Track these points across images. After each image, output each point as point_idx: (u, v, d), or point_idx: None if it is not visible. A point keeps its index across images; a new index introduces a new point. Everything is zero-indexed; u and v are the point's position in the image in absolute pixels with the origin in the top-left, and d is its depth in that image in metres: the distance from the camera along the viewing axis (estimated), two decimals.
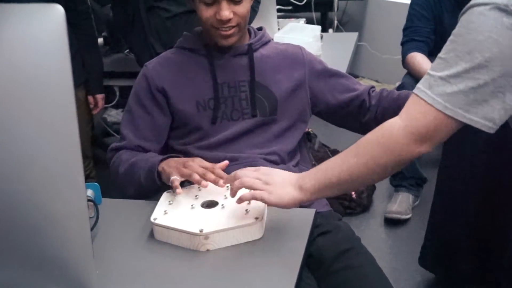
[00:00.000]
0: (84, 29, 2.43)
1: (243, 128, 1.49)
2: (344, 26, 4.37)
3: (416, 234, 2.40)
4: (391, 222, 2.62)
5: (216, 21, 1.42)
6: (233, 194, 1.21)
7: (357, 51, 3.54)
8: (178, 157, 1.40)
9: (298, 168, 1.53)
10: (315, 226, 1.28)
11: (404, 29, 2.66)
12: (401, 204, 2.63)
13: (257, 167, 1.23)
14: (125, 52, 3.08)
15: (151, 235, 1.23)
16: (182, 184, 1.30)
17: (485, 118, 1.02)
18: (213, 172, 1.29)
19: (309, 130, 2.77)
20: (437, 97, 1.03)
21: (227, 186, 1.32)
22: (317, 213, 1.29)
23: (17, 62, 0.85)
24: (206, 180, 1.27)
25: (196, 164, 1.30)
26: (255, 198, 1.17)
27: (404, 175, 2.67)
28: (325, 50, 2.55)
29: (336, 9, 4.14)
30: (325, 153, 2.75)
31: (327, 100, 1.57)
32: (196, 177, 1.26)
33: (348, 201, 2.67)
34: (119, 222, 1.31)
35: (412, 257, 2.19)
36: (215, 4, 1.41)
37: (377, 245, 2.45)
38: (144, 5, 2.30)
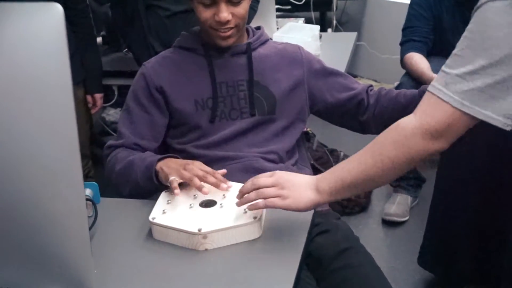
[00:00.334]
0: (83, 28, 2.43)
1: (241, 127, 1.49)
2: (343, 25, 4.38)
3: (415, 233, 2.40)
4: (389, 222, 2.62)
5: (214, 22, 1.42)
6: (251, 208, 1.17)
7: (356, 50, 3.54)
8: (176, 157, 1.40)
9: (296, 167, 1.54)
10: (313, 225, 1.28)
11: (403, 29, 2.67)
12: (399, 205, 2.63)
13: (272, 172, 1.20)
14: (124, 51, 3.08)
15: (150, 234, 1.23)
16: (180, 184, 1.30)
17: (503, 115, 1.01)
18: (214, 176, 1.28)
19: (308, 129, 2.76)
20: (453, 94, 1.02)
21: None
22: (315, 212, 1.29)
23: (16, 61, 0.85)
24: (207, 182, 1.27)
25: (196, 168, 1.29)
26: (268, 207, 1.16)
27: (403, 175, 2.67)
28: (324, 49, 2.54)
29: (335, 8, 4.14)
30: (323, 153, 2.75)
31: (326, 99, 1.57)
32: (197, 182, 1.25)
33: (347, 200, 2.67)
34: (117, 221, 1.31)
35: (411, 257, 2.19)
36: (214, 5, 1.41)
37: (376, 244, 2.46)
38: (143, 4, 2.30)
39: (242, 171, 1.44)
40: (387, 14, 4.10)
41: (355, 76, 4.21)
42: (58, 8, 0.83)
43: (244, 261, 1.14)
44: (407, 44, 2.61)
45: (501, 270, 1.62)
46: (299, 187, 1.16)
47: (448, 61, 1.06)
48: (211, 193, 1.29)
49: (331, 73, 1.60)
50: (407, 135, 1.08)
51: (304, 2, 4.00)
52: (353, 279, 1.28)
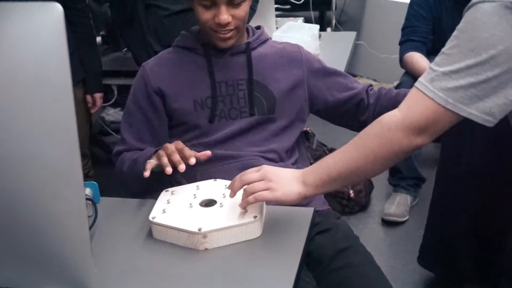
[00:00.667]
0: (82, 28, 2.42)
1: (241, 126, 1.49)
2: (342, 25, 4.37)
3: (415, 233, 2.40)
4: (389, 222, 2.62)
5: (214, 24, 1.42)
6: (242, 205, 1.20)
7: (355, 50, 3.54)
8: None
9: (296, 166, 1.53)
10: (313, 224, 1.28)
11: (403, 29, 2.67)
12: (399, 205, 2.63)
13: (259, 167, 1.22)
14: (123, 51, 3.07)
15: (150, 233, 1.23)
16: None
17: (486, 113, 1.02)
18: (181, 154, 1.29)
19: (307, 129, 2.77)
20: (438, 91, 1.04)
21: (225, 185, 1.33)
22: (315, 212, 1.29)
23: (15, 60, 0.85)
24: (172, 160, 1.28)
25: (172, 145, 1.31)
26: (258, 201, 1.17)
27: (403, 175, 2.67)
28: (323, 49, 2.54)
29: (334, 8, 4.14)
30: (323, 152, 2.75)
31: (325, 98, 1.57)
32: (164, 160, 1.28)
33: (347, 200, 2.67)
34: (117, 221, 1.31)
35: (411, 256, 2.20)
36: (214, 7, 1.40)
37: (375, 244, 2.46)
38: (142, 3, 2.30)
39: (241, 171, 1.43)
40: (387, 14, 4.10)
41: (354, 76, 4.20)
42: (58, 7, 0.83)
43: (244, 260, 1.14)
44: (406, 44, 2.62)
45: (500, 268, 1.62)
46: (286, 180, 1.18)
47: (436, 58, 1.08)
48: (211, 192, 1.29)
49: (331, 73, 1.59)
50: (390, 129, 1.09)
51: (304, 1, 4.00)
52: (353, 279, 1.28)
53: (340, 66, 2.29)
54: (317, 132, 2.86)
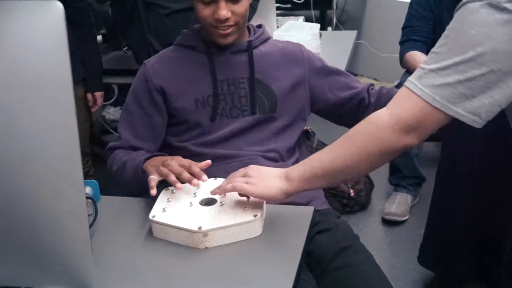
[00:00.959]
0: (83, 26, 2.43)
1: (242, 125, 1.49)
2: (343, 24, 4.37)
3: (415, 232, 2.40)
4: (390, 221, 2.62)
5: (214, 20, 1.42)
6: (220, 192, 1.24)
7: (356, 49, 3.54)
8: (164, 155, 1.40)
9: None
10: (314, 224, 1.28)
11: (403, 28, 2.67)
12: (399, 205, 2.63)
13: (247, 167, 1.25)
14: (124, 49, 3.07)
15: (150, 232, 1.23)
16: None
17: (472, 112, 1.02)
18: (189, 171, 1.28)
19: (308, 128, 2.76)
20: (425, 88, 1.03)
21: None
22: (316, 211, 1.29)
23: (16, 59, 0.85)
24: (182, 179, 1.26)
25: (175, 163, 1.29)
26: (236, 189, 1.20)
27: (404, 175, 2.67)
28: (324, 48, 2.54)
29: (335, 7, 4.13)
30: None
31: (327, 97, 1.57)
32: (172, 178, 1.26)
33: (347, 199, 2.67)
34: (117, 219, 1.31)
35: (411, 255, 2.20)
36: (213, 3, 1.40)
37: (376, 243, 2.46)
38: (142, 2, 2.30)
39: None
40: (387, 13, 4.10)
41: (355, 75, 4.18)
42: (59, 6, 0.83)
43: (244, 259, 1.14)
44: (406, 44, 2.62)
45: (501, 267, 1.62)
46: (268, 176, 1.20)
47: (426, 58, 1.08)
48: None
49: (332, 72, 1.59)
50: (378, 127, 1.09)
51: (304, 0, 4.00)
52: (353, 278, 1.29)
53: (341, 65, 2.29)
54: (317, 131, 2.85)
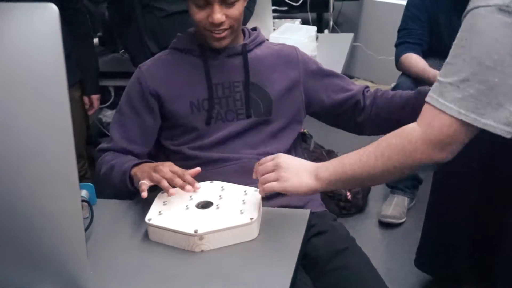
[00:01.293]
0: (79, 28, 2.42)
1: (237, 128, 1.49)
2: (339, 26, 4.37)
3: (412, 234, 2.40)
4: (386, 224, 2.62)
5: (208, 23, 1.42)
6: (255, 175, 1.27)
7: (353, 51, 3.54)
8: (152, 162, 1.39)
9: None
10: (310, 226, 1.28)
11: (399, 31, 2.67)
12: (396, 207, 2.63)
13: (275, 155, 1.26)
14: (121, 52, 3.07)
15: (146, 235, 1.23)
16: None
17: (503, 122, 1.00)
18: (182, 178, 1.27)
19: (304, 130, 2.77)
20: (449, 103, 1.02)
21: (222, 187, 1.33)
22: (312, 213, 1.29)
23: (11, 61, 0.85)
24: (174, 185, 1.26)
25: (166, 169, 1.28)
26: (267, 191, 1.22)
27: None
28: (321, 50, 2.54)
29: (331, 9, 4.13)
30: (320, 154, 2.75)
31: (322, 100, 1.57)
32: (165, 183, 1.25)
33: (344, 201, 2.67)
34: (113, 222, 1.31)
35: (408, 258, 2.19)
36: (208, 7, 1.40)
37: (372, 245, 2.45)
38: (139, 4, 2.30)
39: (238, 173, 1.44)
40: (384, 15, 4.10)
41: (351, 77, 4.21)
42: (53, 8, 0.83)
43: (241, 262, 1.14)
44: (402, 46, 2.62)
45: (498, 269, 1.62)
46: (299, 172, 1.21)
47: (441, 70, 1.07)
48: (208, 194, 1.29)
49: (327, 74, 1.59)
50: (411, 143, 1.09)
51: (301, 3, 4.00)
52: (349, 280, 1.29)
53: (338, 68, 2.29)
54: (314, 133, 2.86)
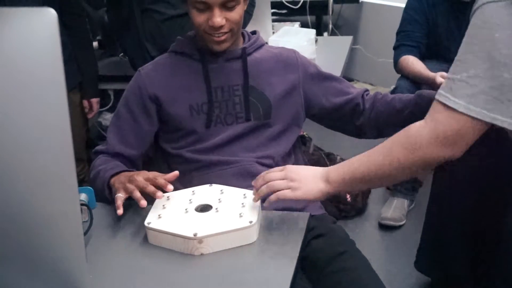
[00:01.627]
0: (78, 32, 2.42)
1: (237, 132, 1.49)
2: (339, 29, 4.38)
3: (411, 237, 2.40)
4: (386, 226, 2.62)
5: (208, 27, 1.42)
6: (256, 199, 1.25)
7: (352, 54, 3.55)
8: (131, 171, 1.38)
9: None
10: (309, 229, 1.28)
11: (397, 33, 2.67)
12: (396, 209, 2.63)
13: (283, 166, 1.27)
14: (120, 55, 3.08)
15: (145, 239, 1.23)
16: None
17: (510, 116, 1.00)
18: (154, 183, 1.26)
19: (304, 133, 2.77)
20: (459, 100, 1.02)
21: (221, 190, 1.33)
22: (311, 216, 1.29)
23: (9, 66, 0.85)
24: (146, 192, 1.25)
25: (140, 178, 1.28)
26: (280, 199, 1.21)
27: None
28: (320, 53, 2.55)
29: (331, 12, 4.14)
30: (320, 157, 2.75)
31: (321, 103, 1.57)
32: (137, 194, 1.24)
33: (343, 204, 2.66)
34: (113, 226, 1.31)
35: (407, 260, 2.19)
36: (208, 10, 1.40)
37: (372, 248, 2.45)
38: (138, 8, 2.30)
39: (238, 176, 1.44)
40: (383, 18, 4.11)
41: (351, 80, 4.22)
42: (52, 13, 0.83)
43: (240, 265, 1.14)
44: (400, 49, 2.62)
45: (497, 271, 1.62)
46: (309, 179, 1.22)
47: (451, 67, 1.06)
48: (207, 198, 1.29)
49: (326, 78, 1.60)
50: (418, 141, 1.09)
51: (300, 6, 4.00)
52: (348, 283, 1.28)
53: (337, 71, 2.30)
54: (313, 136, 2.86)
